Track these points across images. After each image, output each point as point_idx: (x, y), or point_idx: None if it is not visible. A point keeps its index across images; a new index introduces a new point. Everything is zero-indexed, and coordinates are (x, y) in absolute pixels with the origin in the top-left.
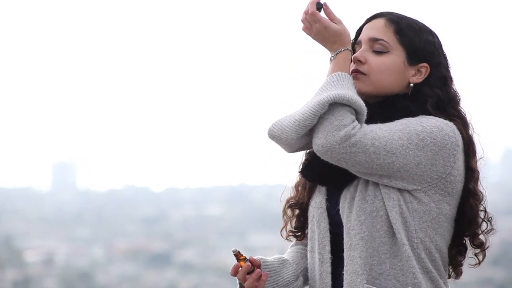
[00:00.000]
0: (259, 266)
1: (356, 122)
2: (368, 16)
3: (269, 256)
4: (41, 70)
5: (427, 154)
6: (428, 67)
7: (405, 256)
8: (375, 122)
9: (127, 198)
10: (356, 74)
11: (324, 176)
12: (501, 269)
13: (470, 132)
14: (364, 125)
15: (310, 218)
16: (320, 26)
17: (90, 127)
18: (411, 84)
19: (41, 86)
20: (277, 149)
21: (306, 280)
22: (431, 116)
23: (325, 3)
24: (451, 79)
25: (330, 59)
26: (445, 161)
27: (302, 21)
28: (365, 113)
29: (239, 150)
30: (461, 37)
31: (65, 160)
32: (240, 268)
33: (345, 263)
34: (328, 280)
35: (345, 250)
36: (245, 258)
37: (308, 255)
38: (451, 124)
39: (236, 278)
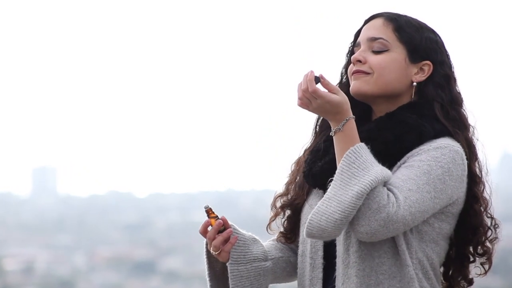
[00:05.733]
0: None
1: (391, 195)
2: (366, 18)
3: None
4: (22, 74)
5: (448, 192)
6: (431, 65)
7: (407, 277)
8: (385, 137)
9: (109, 204)
10: (358, 74)
11: (324, 181)
12: (499, 277)
13: (470, 135)
14: (397, 194)
15: (304, 221)
16: (321, 102)
17: (71, 130)
18: (414, 84)
19: (21, 89)
20: (265, 155)
21: (276, 271)
22: (442, 144)
23: (321, 75)
24: (454, 79)
25: (335, 131)
26: (457, 189)
27: (300, 98)
28: (391, 175)
29: (227, 154)
30: (459, 41)
31: (45, 165)
32: (210, 226)
33: (341, 281)
34: (319, 286)
35: (341, 266)
36: (217, 216)
37: (299, 259)
38: (460, 150)
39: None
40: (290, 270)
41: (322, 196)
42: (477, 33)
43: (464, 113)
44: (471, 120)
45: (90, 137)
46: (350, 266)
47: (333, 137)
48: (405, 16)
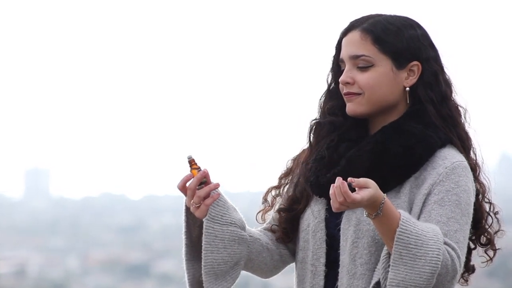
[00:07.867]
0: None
1: (450, 250)
2: (343, 29)
3: None
4: (15, 76)
5: (472, 209)
6: (419, 64)
7: None
8: (393, 149)
9: (103, 206)
10: (350, 96)
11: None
12: (497, 280)
13: (462, 124)
14: (451, 244)
15: (304, 227)
16: (359, 204)
17: (64, 131)
18: (407, 89)
19: (13, 91)
20: (260, 156)
21: (251, 250)
22: (454, 164)
23: (351, 180)
24: (441, 70)
25: (375, 216)
26: (473, 201)
27: (338, 208)
28: (439, 230)
29: (222, 155)
30: (458, 43)
31: (38, 166)
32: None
33: None
34: None
35: (345, 277)
36: (199, 168)
37: (298, 266)
38: (467, 164)
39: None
40: (265, 256)
41: (324, 204)
42: (477, 36)
43: (454, 102)
44: (461, 101)
45: (83, 138)
46: (357, 277)
47: (372, 219)
48: (381, 20)
